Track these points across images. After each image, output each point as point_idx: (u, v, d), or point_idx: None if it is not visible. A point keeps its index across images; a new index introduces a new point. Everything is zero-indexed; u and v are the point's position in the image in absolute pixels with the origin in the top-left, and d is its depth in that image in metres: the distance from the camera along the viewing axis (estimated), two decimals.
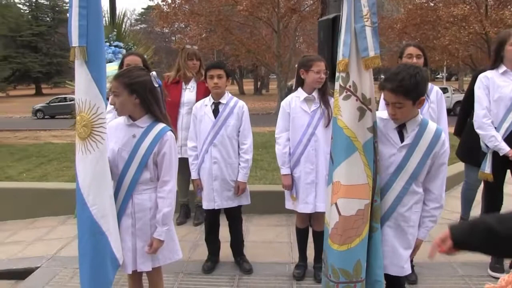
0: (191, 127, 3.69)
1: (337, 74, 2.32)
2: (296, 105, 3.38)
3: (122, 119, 2.55)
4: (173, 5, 24.36)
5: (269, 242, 4.36)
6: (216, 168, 3.53)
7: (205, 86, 3.96)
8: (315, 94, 3.36)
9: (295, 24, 26.75)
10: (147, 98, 2.45)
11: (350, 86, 2.26)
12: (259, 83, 47.78)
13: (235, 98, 3.63)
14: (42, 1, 58.40)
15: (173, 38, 37.84)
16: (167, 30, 31.59)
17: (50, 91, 50.33)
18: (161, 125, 2.49)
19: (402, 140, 2.33)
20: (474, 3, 22.01)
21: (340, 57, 2.28)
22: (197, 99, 4.19)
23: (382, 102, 2.96)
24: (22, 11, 57.75)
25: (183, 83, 4.58)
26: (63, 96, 32.30)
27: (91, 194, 2.31)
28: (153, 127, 2.47)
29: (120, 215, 2.46)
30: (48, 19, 57.70)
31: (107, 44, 5.32)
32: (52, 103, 30.66)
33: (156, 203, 2.49)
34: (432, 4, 24.20)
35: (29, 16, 56.47)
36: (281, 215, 4.95)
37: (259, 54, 27.26)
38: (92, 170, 2.31)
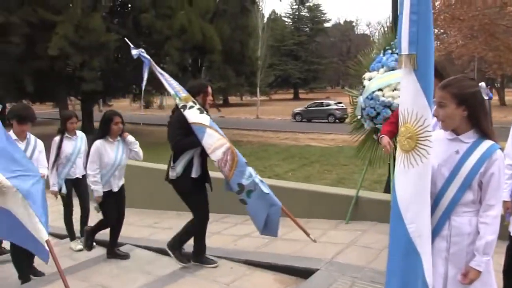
0: None
1: None
2: None
3: (441, 133, 2.33)
4: (432, 11, 23.13)
5: None
6: None
7: None
8: None
9: None
10: (476, 111, 2.21)
11: None
12: None
13: None
14: (303, 14, 63.33)
15: None
16: None
17: (306, 96, 54.36)
18: (489, 142, 2.21)
19: None
20: None
21: None
22: None
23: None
24: (286, 23, 63.76)
25: None
26: (320, 101, 34.23)
27: (410, 210, 2.17)
28: (479, 144, 2.21)
29: (433, 236, 2.25)
30: (307, 29, 62.36)
31: (389, 51, 5.17)
32: (310, 107, 32.77)
33: (476, 229, 2.22)
34: None
35: (292, 27, 62.01)
36: None
37: None
38: (413, 185, 2.16)
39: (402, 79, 2.22)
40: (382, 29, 6.01)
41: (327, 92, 59.72)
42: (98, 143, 4.57)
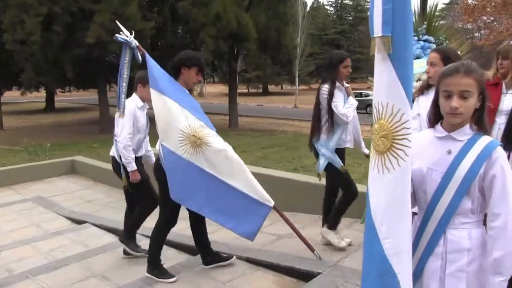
0: None
1: None
2: None
3: (427, 132, 2.01)
4: None
5: None
6: None
7: None
8: None
9: None
10: (485, 102, 1.88)
11: None
12: None
13: None
14: (346, 2, 61.98)
15: (476, 35, 34.56)
16: (470, 26, 28.94)
17: (352, 86, 53.29)
18: (487, 138, 1.87)
19: None
20: None
21: None
22: None
23: None
24: (328, 11, 62.57)
25: (503, 87, 3.66)
26: (359, 91, 33.41)
27: (384, 223, 1.84)
28: (476, 141, 1.86)
29: (426, 254, 1.93)
30: (350, 18, 61.10)
31: (415, 38, 4.78)
32: None
33: (477, 244, 1.88)
34: None
35: (334, 16, 60.81)
36: None
37: None
38: (389, 193, 1.83)
39: (375, 66, 1.86)
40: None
41: (368, 82, 58.20)
42: None
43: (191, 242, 4.22)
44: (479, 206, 1.88)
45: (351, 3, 61.35)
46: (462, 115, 1.85)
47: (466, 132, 1.89)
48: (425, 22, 4.84)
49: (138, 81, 4.39)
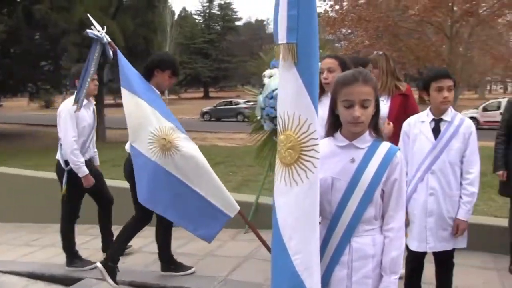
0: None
1: None
2: None
3: (327, 141, 1.99)
4: (340, 11, 23.90)
5: None
6: (432, 201, 2.86)
7: (400, 100, 3.53)
8: None
9: (469, 29, 24.31)
10: (379, 108, 1.92)
11: None
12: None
13: (459, 115, 2.90)
14: (214, 12, 62.89)
15: (337, 45, 37.48)
16: (331, 37, 31.36)
17: (217, 95, 53.99)
18: (387, 144, 1.93)
19: None
20: None
21: None
22: (391, 114, 3.55)
23: None
24: (196, 21, 62.90)
25: None
26: (229, 100, 33.96)
27: (294, 238, 1.79)
28: (377, 147, 1.91)
29: (332, 263, 1.91)
30: (218, 27, 62.00)
31: None
32: (218, 106, 32.39)
33: (381, 249, 1.91)
34: None
35: (202, 25, 61.25)
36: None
37: (428, 61, 25.38)
38: (298, 207, 1.78)
39: (280, 75, 1.81)
40: None
41: (237, 90, 59.77)
42: None
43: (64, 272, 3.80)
44: (380, 211, 1.93)
45: (218, 13, 62.35)
46: (363, 123, 1.88)
47: (366, 140, 1.92)
48: None
49: (77, 77, 3.96)
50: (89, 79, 3.58)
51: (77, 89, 3.68)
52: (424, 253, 2.97)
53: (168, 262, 3.97)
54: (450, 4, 21.66)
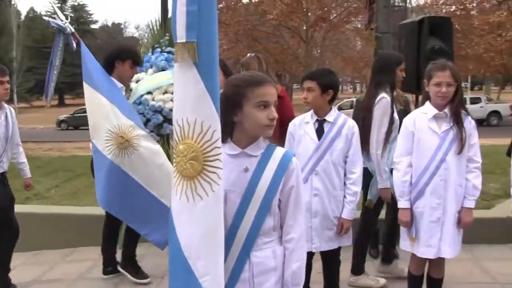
0: None
1: None
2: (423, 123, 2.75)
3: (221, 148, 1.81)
4: None
5: None
6: (317, 202, 2.85)
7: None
8: (447, 110, 2.72)
9: (323, 33, 26.30)
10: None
11: None
12: None
13: (343, 116, 2.93)
14: (67, 13, 59.02)
15: None
16: None
17: (73, 102, 50.80)
18: (281, 150, 1.81)
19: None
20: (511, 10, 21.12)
21: None
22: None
23: None
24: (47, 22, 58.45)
25: None
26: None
27: (202, 259, 1.59)
28: (271, 154, 1.77)
29: (232, 281, 1.74)
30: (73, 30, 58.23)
31: (158, 50, 4.61)
32: (76, 113, 30.51)
33: (282, 261, 1.79)
34: (464, 13, 23.32)
35: (54, 28, 57.07)
36: None
37: (286, 64, 26.84)
38: (203, 224, 1.59)
39: (176, 78, 1.61)
40: (151, 29, 5.39)
41: None
42: None
43: None
44: (279, 221, 1.80)
45: (72, 15, 58.61)
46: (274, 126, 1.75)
47: (260, 146, 1.78)
48: (167, 34, 4.74)
49: None
50: (55, 72, 3.50)
51: (45, 83, 3.55)
52: (312, 253, 2.97)
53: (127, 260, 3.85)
54: (305, 10, 23.16)
